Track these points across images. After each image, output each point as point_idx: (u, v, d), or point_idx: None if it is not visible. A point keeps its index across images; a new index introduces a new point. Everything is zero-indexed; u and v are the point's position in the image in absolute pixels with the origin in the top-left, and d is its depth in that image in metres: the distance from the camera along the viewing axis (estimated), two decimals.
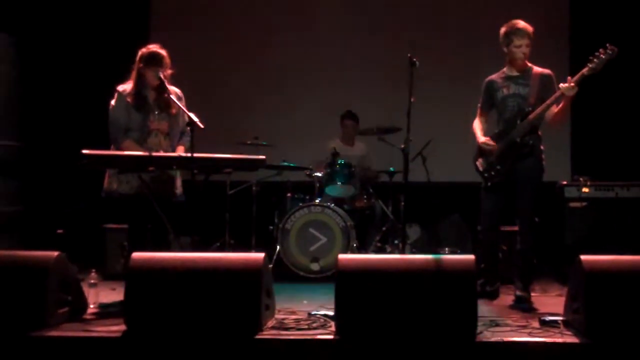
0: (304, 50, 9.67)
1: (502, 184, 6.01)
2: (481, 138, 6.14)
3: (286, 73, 9.66)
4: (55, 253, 4.81)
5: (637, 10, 8.87)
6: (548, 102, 5.78)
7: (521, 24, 5.93)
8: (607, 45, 5.57)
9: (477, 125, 6.24)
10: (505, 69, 6.13)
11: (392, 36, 9.35)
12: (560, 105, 5.78)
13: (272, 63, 9.67)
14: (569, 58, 8.95)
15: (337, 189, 7.89)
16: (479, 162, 6.17)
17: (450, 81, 9.17)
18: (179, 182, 6.07)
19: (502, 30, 6.00)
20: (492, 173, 6.04)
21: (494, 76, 6.19)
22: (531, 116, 5.86)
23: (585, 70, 5.60)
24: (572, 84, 5.60)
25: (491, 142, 6.05)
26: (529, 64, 6.05)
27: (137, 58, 5.89)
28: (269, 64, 9.67)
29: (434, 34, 9.42)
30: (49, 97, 9.21)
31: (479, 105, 6.29)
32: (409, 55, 5.70)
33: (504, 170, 5.98)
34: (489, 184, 6.08)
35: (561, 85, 5.68)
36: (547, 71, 6.02)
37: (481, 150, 6.15)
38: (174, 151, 5.89)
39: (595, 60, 5.57)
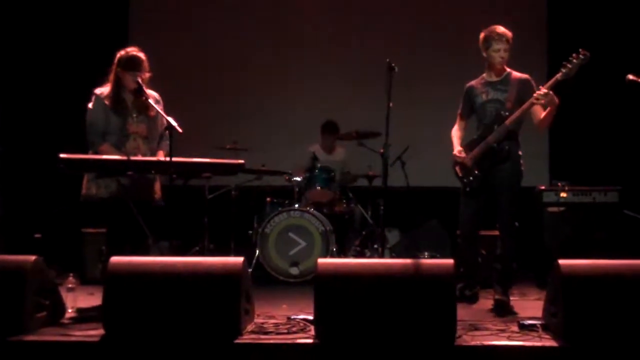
0: (284, 55, 9.70)
1: (480, 189, 6.03)
2: (456, 148, 6.17)
3: (266, 77, 9.66)
4: (33, 257, 4.76)
5: (614, 16, 8.95)
6: (524, 107, 5.81)
7: (500, 29, 5.96)
8: (580, 50, 5.61)
9: (454, 133, 6.26)
10: (484, 75, 6.15)
11: (373, 41, 9.40)
12: (548, 110, 5.79)
13: (252, 67, 9.69)
14: (547, 63, 9.00)
15: (316, 193, 7.90)
16: (458, 168, 6.18)
17: (429, 86, 9.23)
18: (157, 187, 6.03)
19: (482, 35, 6.02)
20: (471, 178, 6.05)
21: (473, 82, 6.21)
22: (507, 121, 5.88)
23: (558, 76, 5.64)
24: (543, 92, 5.63)
25: (462, 155, 6.06)
26: (508, 69, 6.07)
27: (115, 61, 5.86)
28: (249, 69, 9.69)
29: (413, 39, 9.48)
30: (27, 101, 9.17)
31: (459, 111, 6.31)
32: (387, 60, 5.72)
33: (482, 176, 5.99)
34: (468, 189, 6.09)
35: (535, 94, 5.71)
36: (525, 76, 6.04)
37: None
38: (152, 155, 5.85)
39: (568, 65, 5.61)
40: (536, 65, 8.00)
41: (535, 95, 5.68)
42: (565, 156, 9.28)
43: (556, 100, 5.69)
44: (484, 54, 6.04)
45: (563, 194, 7.39)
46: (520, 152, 6.04)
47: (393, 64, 5.70)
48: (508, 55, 6.00)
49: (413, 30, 9.58)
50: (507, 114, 5.89)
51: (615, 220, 7.28)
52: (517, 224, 5.96)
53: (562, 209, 7.38)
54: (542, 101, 5.66)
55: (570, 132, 9.17)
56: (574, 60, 5.60)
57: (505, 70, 6.06)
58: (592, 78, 6.42)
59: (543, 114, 5.85)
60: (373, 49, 9.05)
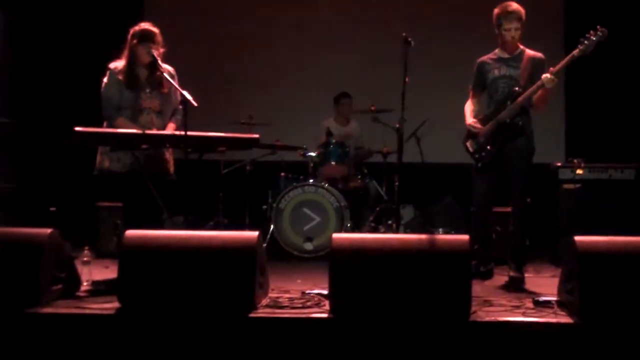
0: (300, 29, 9.65)
1: (492, 165, 6.00)
2: (469, 119, 6.12)
3: (281, 53, 9.63)
4: (49, 230, 4.78)
5: None
6: (533, 87, 5.77)
7: (513, 6, 5.89)
8: (597, 27, 5.56)
9: (467, 107, 6.22)
10: (497, 51, 6.10)
11: (388, 15, 9.35)
12: (539, 92, 5.77)
13: (268, 42, 9.65)
14: (564, 40, 8.93)
15: (330, 168, 7.89)
16: (469, 143, 6.15)
17: (445, 61, 9.16)
18: (171, 162, 6.02)
19: (495, 11, 5.96)
20: (483, 154, 6.02)
21: (485, 57, 6.16)
22: (520, 98, 5.84)
23: (575, 52, 5.59)
24: (551, 76, 5.59)
25: (477, 125, 6.03)
26: (521, 47, 6.02)
27: (129, 35, 5.86)
28: (264, 44, 9.65)
29: (429, 14, 9.42)
30: (43, 74, 9.19)
31: (471, 86, 6.26)
32: (403, 34, 5.68)
33: (494, 151, 5.96)
34: (480, 165, 6.06)
35: (543, 76, 5.67)
36: (538, 54, 5.99)
37: (470, 132, 6.14)
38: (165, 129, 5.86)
39: (585, 42, 5.56)
40: (552, 42, 7.93)
41: (544, 77, 5.63)
42: (582, 133, 9.23)
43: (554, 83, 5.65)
44: (496, 31, 5.99)
45: (579, 171, 7.37)
46: (532, 128, 6.00)
47: (409, 38, 5.66)
48: (520, 32, 5.93)
49: (430, 4, 9.52)
50: (520, 91, 5.85)
51: (631, 197, 7.25)
52: (529, 200, 5.94)
53: (577, 185, 7.35)
54: (550, 86, 5.61)
55: (587, 108, 9.13)
56: (592, 37, 5.54)
57: (518, 47, 6.02)
58: (609, 54, 6.35)
59: (537, 95, 5.83)
60: (389, 23, 8.99)
